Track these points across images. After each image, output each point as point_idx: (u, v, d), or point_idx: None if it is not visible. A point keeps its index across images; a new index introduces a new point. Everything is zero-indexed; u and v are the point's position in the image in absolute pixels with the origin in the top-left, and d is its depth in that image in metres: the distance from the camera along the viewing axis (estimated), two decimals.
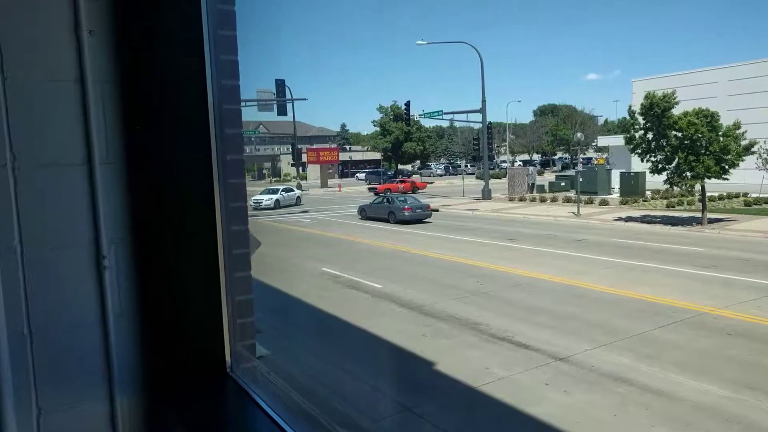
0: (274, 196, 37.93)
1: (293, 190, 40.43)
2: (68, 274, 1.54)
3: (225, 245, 1.66)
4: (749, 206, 26.84)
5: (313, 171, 71.20)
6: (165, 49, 1.61)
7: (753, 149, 21.45)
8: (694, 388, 7.43)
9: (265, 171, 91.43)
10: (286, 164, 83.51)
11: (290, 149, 59.14)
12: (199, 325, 1.67)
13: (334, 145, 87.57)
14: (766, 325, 9.85)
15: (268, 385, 1.62)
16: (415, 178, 56.58)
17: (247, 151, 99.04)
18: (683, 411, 6.81)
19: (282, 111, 41.08)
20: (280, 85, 39.98)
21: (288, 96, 42.94)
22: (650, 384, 7.60)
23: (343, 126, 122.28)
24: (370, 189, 47.03)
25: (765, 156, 27.18)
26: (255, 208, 35.14)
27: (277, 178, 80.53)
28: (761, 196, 28.66)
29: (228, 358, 1.69)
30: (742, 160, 21.15)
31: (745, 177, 26.84)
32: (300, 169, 64.97)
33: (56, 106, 1.51)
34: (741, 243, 18.45)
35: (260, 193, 38.91)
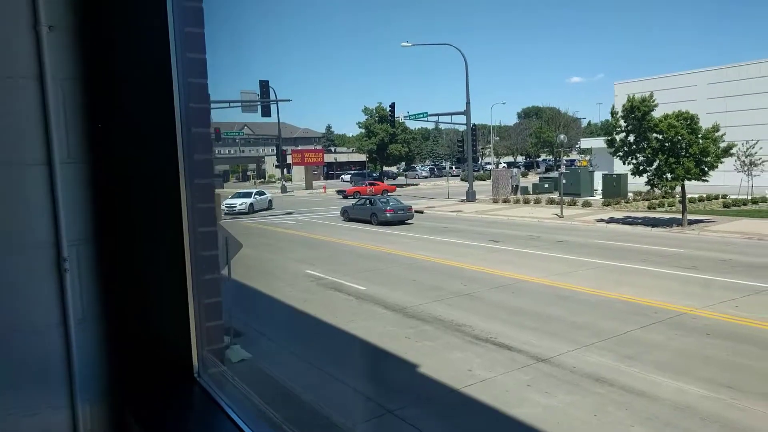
0: (248, 200, 35.54)
1: (265, 193, 38.45)
2: (27, 277, 1.49)
3: (192, 247, 1.62)
4: (728, 208, 27.27)
5: (298, 172, 70.99)
6: (128, 45, 1.57)
7: (732, 151, 21.79)
8: (673, 388, 7.50)
9: (249, 173, 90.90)
10: (271, 166, 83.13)
11: (275, 150, 58.85)
12: (165, 330, 1.63)
13: (319, 147, 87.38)
14: (743, 325, 9.99)
15: (234, 391, 1.58)
16: (401, 179, 56.22)
17: (232, 152, 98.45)
18: (662, 411, 6.87)
19: (266, 112, 40.87)
20: (264, 86, 39.77)
21: (272, 97, 42.73)
22: (630, 384, 7.66)
23: (329, 127, 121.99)
24: (338, 192, 45.49)
25: (744, 158, 27.69)
26: (227, 213, 32.84)
27: (262, 180, 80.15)
28: (740, 197, 29.14)
29: (195, 362, 1.65)
30: (721, 162, 21.47)
31: (724, 179, 27.27)
32: (285, 170, 64.69)
33: (14, 103, 1.46)
34: (720, 244, 18.71)
35: (231, 197, 36.08)
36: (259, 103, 40.49)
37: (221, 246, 8.88)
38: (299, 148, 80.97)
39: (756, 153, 28.10)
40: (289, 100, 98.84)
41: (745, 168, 28.24)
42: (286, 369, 8.96)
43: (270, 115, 41.54)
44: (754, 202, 28.36)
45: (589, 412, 6.97)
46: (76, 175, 1.53)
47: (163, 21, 1.58)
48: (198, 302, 1.63)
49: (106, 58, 1.55)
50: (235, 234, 9.45)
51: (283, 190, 56.71)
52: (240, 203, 34.78)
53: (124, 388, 1.58)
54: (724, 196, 30.25)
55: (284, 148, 59.26)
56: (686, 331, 9.85)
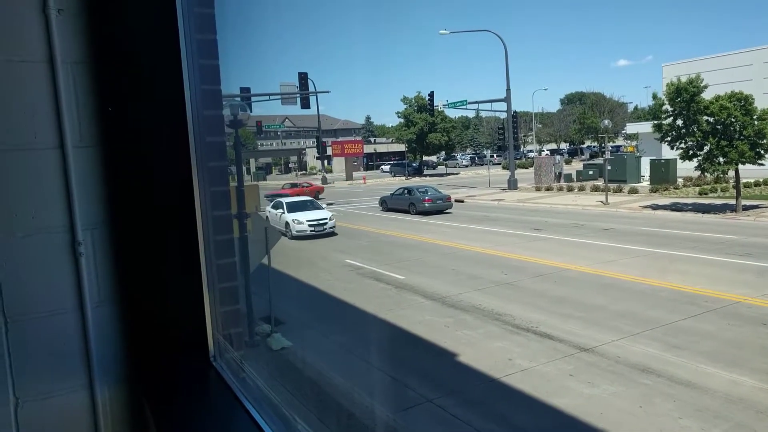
0: (309, 216, 21.01)
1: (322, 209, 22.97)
2: (42, 262, 1.50)
3: (205, 231, 1.60)
4: None
5: (338, 164, 71.52)
6: (138, 28, 1.55)
7: None
8: (725, 379, 7.17)
9: (291, 165, 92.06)
10: (312, 157, 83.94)
11: (315, 142, 59.38)
12: (181, 314, 1.62)
13: (358, 138, 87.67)
14: None
15: (249, 377, 1.55)
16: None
17: (274, 145, 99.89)
18: (713, 403, 6.58)
19: (305, 104, 41.16)
20: (303, 77, 40.05)
21: (311, 89, 43.02)
22: (679, 375, 7.37)
23: (368, 118, 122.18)
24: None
25: None
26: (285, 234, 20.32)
27: (304, 172, 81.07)
28: None
29: (211, 347, 1.63)
30: None
31: None
32: (325, 162, 65.26)
33: (25, 87, 1.46)
34: None
35: (276, 207, 22.18)
36: (298, 95, 40.84)
37: (261, 236, 9.01)
38: (339, 139, 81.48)
39: None
40: (327, 92, 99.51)
41: None
42: (325, 357, 9.04)
43: (309, 107, 41.85)
44: None
45: (634, 403, 6.74)
46: (88, 160, 1.53)
47: (172, 2, 1.55)
48: (213, 287, 1.61)
49: (115, 42, 1.54)
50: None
51: (324, 181, 57.21)
52: (299, 224, 20.61)
53: (141, 370, 1.58)
54: None
55: (324, 139, 59.78)
56: (740, 320, 9.41)
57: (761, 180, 29.04)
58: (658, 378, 7.35)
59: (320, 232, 20.57)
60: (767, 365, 7.53)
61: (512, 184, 37.26)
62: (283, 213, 21.00)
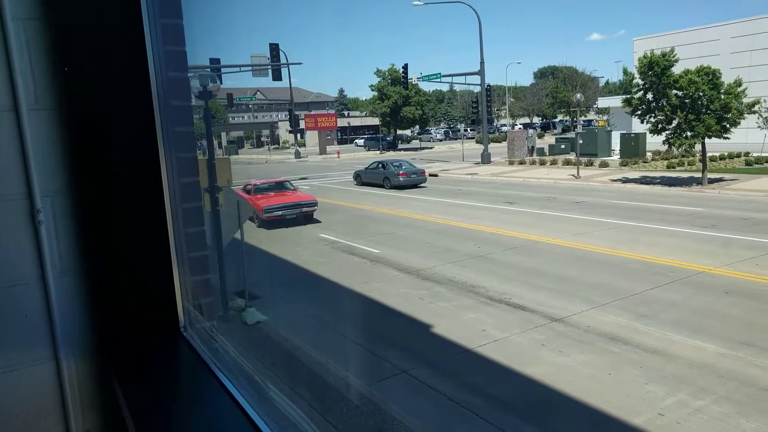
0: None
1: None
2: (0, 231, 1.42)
3: (172, 199, 1.54)
4: (750, 165, 26.60)
5: (312, 137, 70.75)
6: None
7: (755, 108, 21.09)
8: (689, 346, 7.42)
9: (263, 139, 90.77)
10: (284, 131, 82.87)
11: (288, 116, 58.51)
12: (149, 284, 1.56)
13: (332, 111, 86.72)
14: (763, 283, 9.81)
15: (221, 346, 1.52)
16: None
17: (245, 118, 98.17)
18: (678, 369, 6.80)
19: (277, 76, 40.39)
20: (274, 49, 39.22)
21: (283, 60, 42.21)
22: (646, 343, 7.59)
23: (341, 91, 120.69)
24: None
25: (766, 114, 26.83)
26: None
27: (276, 146, 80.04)
28: (762, 155, 28.37)
29: (181, 317, 1.58)
30: (743, 119, 20.81)
31: (747, 136, 26.53)
32: (298, 135, 64.50)
33: None
34: (741, 202, 18.31)
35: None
36: (269, 67, 40.03)
37: (233, 210, 8.88)
38: (312, 112, 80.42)
39: None
40: (299, 63, 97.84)
41: None
42: (301, 330, 9.05)
43: (281, 79, 41.08)
44: None
45: (603, 370, 6.93)
46: (45, 123, 1.44)
47: None
48: (182, 256, 1.56)
49: None
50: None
51: (297, 155, 56.60)
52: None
53: (108, 342, 1.53)
54: (746, 154, 29.46)
55: (297, 113, 58.96)
56: (704, 289, 9.71)
57: (726, 153, 29.77)
58: (626, 346, 7.55)
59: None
60: (729, 332, 7.80)
61: (486, 158, 37.45)
62: None
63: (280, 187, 19.87)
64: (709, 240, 13.24)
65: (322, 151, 61.49)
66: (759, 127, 27.10)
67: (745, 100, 20.59)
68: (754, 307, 8.77)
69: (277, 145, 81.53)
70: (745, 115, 20.74)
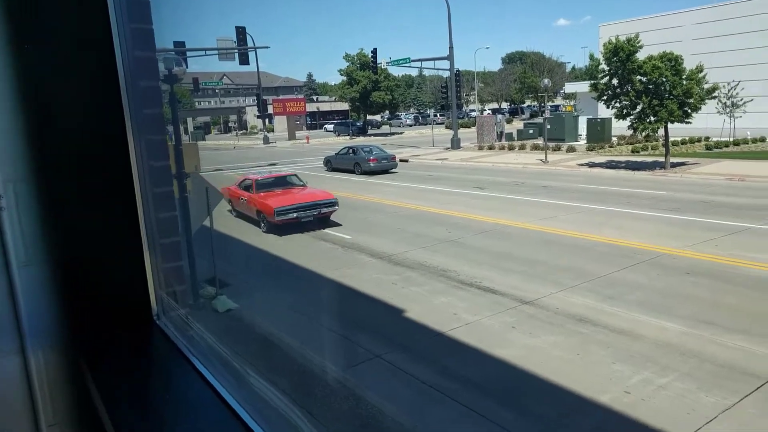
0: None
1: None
2: None
3: (142, 183, 1.48)
4: (710, 150, 27.39)
5: (280, 123, 69.91)
6: None
7: (714, 93, 21.66)
8: (654, 326, 7.64)
9: (231, 124, 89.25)
10: (252, 116, 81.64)
11: (256, 101, 57.61)
12: (120, 271, 1.51)
13: (300, 96, 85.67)
14: (723, 264, 10.15)
15: (196, 333, 1.48)
16: None
17: (212, 103, 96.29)
18: (643, 348, 7.01)
19: (244, 60, 39.63)
20: (241, 32, 38.42)
21: (250, 44, 41.40)
22: (613, 324, 7.79)
23: (310, 76, 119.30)
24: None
25: (726, 100, 27.63)
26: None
27: (244, 131, 78.81)
28: (722, 139, 29.25)
29: (154, 305, 1.54)
30: (704, 104, 21.37)
31: (707, 121, 27.27)
32: (266, 121, 63.58)
33: None
34: (702, 186, 18.87)
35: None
36: (236, 50, 39.24)
37: (202, 197, 8.71)
38: (280, 97, 79.31)
39: (738, 94, 28.02)
40: (267, 47, 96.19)
41: (727, 110, 28.21)
42: (274, 318, 8.99)
43: (248, 63, 40.39)
44: (736, 144, 28.51)
45: (572, 351, 7.09)
46: (5, 106, 1.36)
47: None
48: (153, 242, 1.51)
49: None
50: (218, 185, 9.28)
51: (266, 141, 55.83)
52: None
53: (78, 332, 1.47)
54: (707, 139, 30.34)
55: (265, 97, 58.05)
56: (668, 270, 9.99)
57: (687, 138, 30.58)
58: (594, 327, 7.74)
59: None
60: (691, 311, 8.06)
61: (455, 144, 37.63)
62: None
63: (286, 182, 16.72)
64: (672, 223, 13.62)
65: (291, 137, 60.80)
66: (718, 112, 27.90)
67: (705, 86, 21.13)
68: (715, 286, 9.07)
69: (244, 131, 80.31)
70: (706, 101, 21.30)
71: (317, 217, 14.70)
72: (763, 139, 29.13)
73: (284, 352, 7.57)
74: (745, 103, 27.92)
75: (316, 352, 7.56)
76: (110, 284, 1.51)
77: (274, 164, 35.28)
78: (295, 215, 14.25)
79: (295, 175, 17.41)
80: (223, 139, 70.95)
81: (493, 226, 14.22)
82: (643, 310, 8.22)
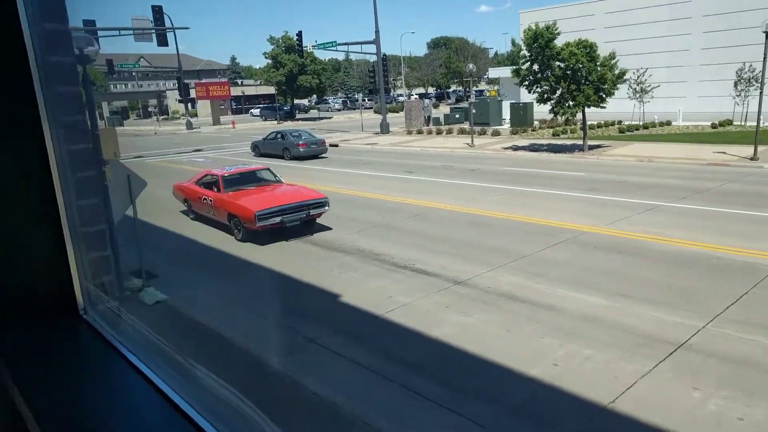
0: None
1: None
2: None
3: (61, 168, 1.34)
4: (623, 133, 29.00)
5: (204, 107, 67.44)
6: None
7: (625, 77, 22.84)
8: (578, 301, 8.03)
9: (151, 109, 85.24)
10: (173, 101, 78.34)
11: (176, 84, 55.12)
12: (39, 264, 1.37)
13: (224, 80, 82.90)
14: (637, 240, 10.81)
15: (131, 327, 1.37)
16: None
17: (129, 87, 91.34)
18: (569, 322, 7.35)
19: (162, 41, 37.71)
20: (158, 12, 36.49)
21: (168, 24, 39.44)
22: (540, 300, 8.12)
23: (234, 59, 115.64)
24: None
25: (635, 86, 29.30)
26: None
27: (165, 117, 75.48)
28: (633, 123, 31.04)
29: (80, 299, 1.41)
30: (617, 89, 22.53)
31: (619, 106, 28.77)
32: (189, 105, 61.09)
33: None
34: (616, 167, 19.97)
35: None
36: (153, 31, 37.26)
37: (124, 186, 8.24)
38: (203, 81, 76.40)
39: (646, 80, 29.77)
40: (186, 28, 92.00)
41: (637, 95, 29.92)
42: (208, 308, 8.70)
43: (167, 45, 38.42)
44: (645, 127, 30.37)
45: (503, 328, 7.33)
46: None
47: None
48: (75, 231, 1.38)
49: None
50: (140, 173, 8.78)
51: (189, 126, 53.72)
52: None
53: None
54: (619, 122, 32.09)
55: (186, 81, 55.65)
56: (588, 248, 10.52)
57: (603, 122, 32.23)
58: (523, 304, 8.04)
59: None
60: (610, 285, 8.54)
61: (384, 128, 37.75)
62: None
63: (258, 177, 14.02)
64: (591, 202, 14.34)
65: (216, 122, 58.83)
66: (629, 97, 29.52)
67: (616, 72, 22.26)
68: (631, 262, 9.65)
69: (166, 116, 76.87)
70: (618, 86, 22.46)
71: (304, 221, 12.36)
72: (668, 123, 31.18)
73: (220, 341, 7.36)
74: (652, 89, 29.71)
75: (254, 341, 7.39)
76: (28, 277, 1.37)
77: (199, 150, 34.05)
78: (279, 219, 11.74)
79: (268, 168, 14.71)
80: (143, 125, 67.67)
81: (424, 209, 14.41)
82: (567, 286, 8.62)
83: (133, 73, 79.96)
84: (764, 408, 5.23)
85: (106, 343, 1.28)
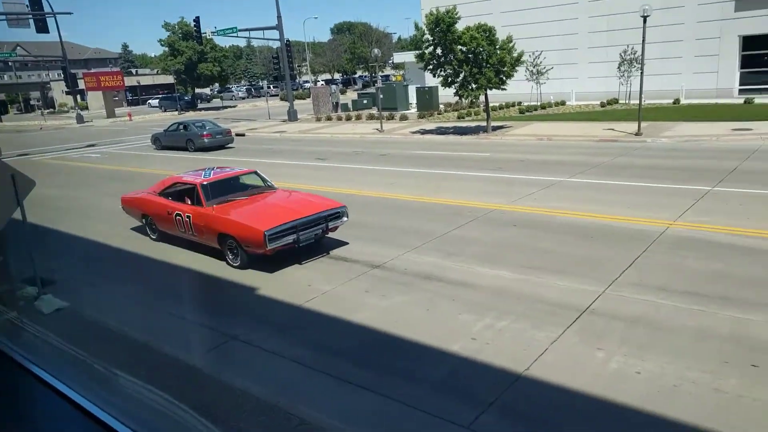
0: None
1: None
2: None
3: None
4: (523, 114, 30.41)
5: (96, 99, 63.12)
6: None
7: (522, 60, 23.87)
8: (491, 275, 8.38)
9: (34, 102, 78.49)
10: (60, 93, 72.56)
11: (62, 74, 50.92)
12: None
13: (117, 69, 77.78)
14: (541, 214, 11.42)
15: (38, 340, 1.25)
16: None
17: (6, 78, 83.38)
18: (483, 297, 7.65)
19: (42, 27, 34.62)
20: None
21: (47, 9, 36.24)
22: (455, 278, 8.38)
23: (126, 47, 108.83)
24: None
25: (531, 68, 30.76)
26: None
27: (51, 110, 69.79)
28: (531, 104, 32.62)
29: None
30: (516, 71, 23.51)
31: (518, 87, 30.11)
32: (78, 97, 56.79)
33: None
34: (518, 146, 20.93)
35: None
36: (30, 16, 34.08)
37: (7, 185, 7.53)
38: (92, 71, 71.28)
39: (541, 63, 31.34)
40: (69, 13, 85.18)
41: (534, 77, 31.45)
42: (115, 311, 8.18)
43: (48, 32, 35.30)
44: (542, 107, 32.02)
45: (422, 307, 7.50)
46: None
47: None
48: None
49: None
50: (27, 172, 8.04)
51: (80, 120, 50.08)
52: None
53: None
54: (519, 103, 33.62)
55: (73, 71, 51.62)
56: (497, 224, 10.98)
57: (504, 104, 33.60)
58: (439, 283, 8.26)
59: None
60: (519, 259, 8.98)
61: (292, 116, 37.13)
62: None
63: (246, 185, 11.19)
64: (497, 181, 14.94)
65: (110, 114, 55.22)
66: (527, 79, 30.94)
67: (514, 55, 23.23)
68: (537, 235, 10.19)
69: (52, 110, 71.11)
70: (517, 68, 23.45)
71: (319, 237, 9.96)
72: (563, 103, 33.08)
73: (132, 345, 6.97)
74: (547, 71, 31.32)
75: (168, 341, 7.06)
76: None
77: (92, 145, 31.86)
78: (293, 238, 9.20)
79: (255, 171, 11.68)
80: (25, 120, 62.21)
81: (337, 195, 14.30)
82: (479, 262, 8.96)
83: (10, 63, 72.93)
84: (656, 361, 5.74)
85: (6, 358, 1.16)
